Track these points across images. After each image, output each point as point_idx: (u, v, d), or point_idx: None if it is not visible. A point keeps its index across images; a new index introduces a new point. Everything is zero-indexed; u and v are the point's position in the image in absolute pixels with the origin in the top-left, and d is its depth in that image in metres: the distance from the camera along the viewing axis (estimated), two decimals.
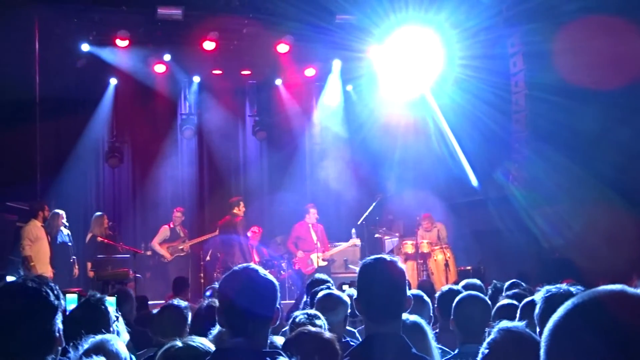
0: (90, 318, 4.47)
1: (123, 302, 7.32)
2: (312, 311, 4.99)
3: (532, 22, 13.72)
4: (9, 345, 2.97)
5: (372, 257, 3.77)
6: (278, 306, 3.36)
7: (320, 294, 5.62)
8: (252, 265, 3.46)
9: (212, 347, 3.45)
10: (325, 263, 15.30)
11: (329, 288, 6.26)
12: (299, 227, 15.58)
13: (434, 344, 4.42)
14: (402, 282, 3.68)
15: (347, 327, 5.72)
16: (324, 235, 15.73)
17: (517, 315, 4.79)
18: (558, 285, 4.27)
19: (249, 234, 15.46)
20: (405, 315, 4.34)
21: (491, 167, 15.21)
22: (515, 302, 5.66)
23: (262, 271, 3.36)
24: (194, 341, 3.42)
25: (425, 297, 6.14)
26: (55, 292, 3.11)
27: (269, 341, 4.00)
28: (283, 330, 4.85)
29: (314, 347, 3.60)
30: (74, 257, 14.13)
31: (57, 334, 3.08)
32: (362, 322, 4.57)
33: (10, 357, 2.99)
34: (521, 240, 14.68)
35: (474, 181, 16.01)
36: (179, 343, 3.38)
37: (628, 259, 11.88)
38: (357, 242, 15.80)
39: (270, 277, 3.36)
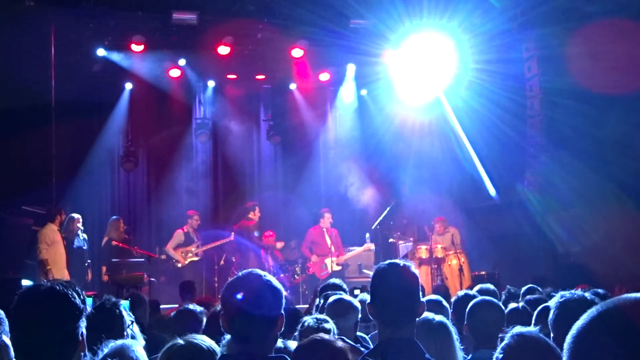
0: (106, 322, 4.48)
1: (136, 306, 7.33)
2: (322, 316, 4.99)
3: (546, 27, 13.69)
4: (34, 347, 3.01)
5: (386, 262, 3.77)
6: (282, 312, 3.35)
7: (330, 299, 5.62)
8: (256, 270, 3.44)
9: (214, 345, 3.46)
10: (339, 267, 15.29)
11: (340, 293, 6.23)
12: (314, 232, 15.58)
13: (458, 344, 4.41)
14: (415, 287, 3.68)
15: (359, 333, 5.70)
16: (339, 239, 15.72)
17: (533, 321, 4.77)
18: (572, 291, 4.26)
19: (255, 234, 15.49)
20: (431, 315, 4.36)
21: (506, 172, 15.17)
22: (527, 307, 5.65)
23: (266, 276, 3.35)
24: (195, 338, 3.43)
25: (444, 302, 6.12)
26: (82, 296, 3.14)
27: (282, 346, 4.01)
28: (294, 335, 4.85)
29: (326, 355, 3.60)
30: (89, 261, 14.20)
31: (81, 338, 3.11)
32: (375, 327, 4.57)
33: (34, 359, 3.02)
34: (536, 245, 14.64)
35: (489, 186, 15.97)
36: (180, 341, 3.39)
37: None
38: (372, 246, 15.79)
39: (275, 282, 3.35)
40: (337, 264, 15.27)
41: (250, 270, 3.44)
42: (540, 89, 14.38)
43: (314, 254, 15.39)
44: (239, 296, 3.25)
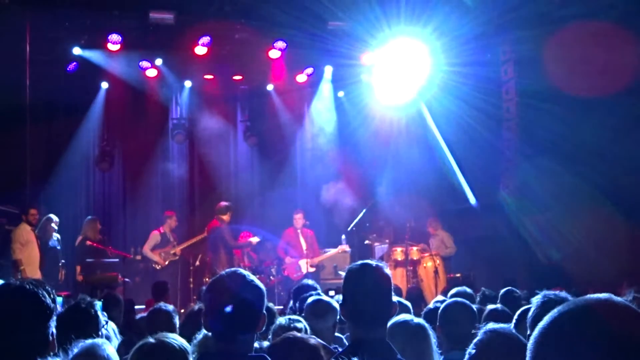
0: (80, 322, 4.45)
1: (111, 307, 7.29)
2: (294, 316, 4.99)
3: (523, 30, 13.75)
4: (3, 347, 2.97)
5: (358, 262, 3.77)
6: (264, 312, 3.36)
7: (309, 300, 5.61)
8: (240, 270, 3.45)
9: (186, 343, 3.45)
10: (313, 269, 15.26)
11: (318, 294, 6.24)
12: (288, 233, 15.54)
13: (435, 347, 4.41)
14: (388, 288, 3.66)
15: (336, 334, 5.70)
16: (314, 240, 15.68)
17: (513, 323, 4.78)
18: (556, 292, 4.28)
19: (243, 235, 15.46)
20: (409, 317, 4.36)
21: (483, 175, 15.22)
22: (505, 309, 5.68)
23: (250, 276, 3.36)
24: (166, 337, 3.41)
25: (404, 301, 6.15)
26: (52, 296, 3.12)
27: (258, 346, 3.99)
28: (268, 337, 4.84)
29: (300, 353, 3.59)
30: (63, 261, 14.11)
31: (51, 338, 3.07)
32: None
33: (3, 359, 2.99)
34: (512, 247, 14.69)
35: (466, 188, 16.02)
36: (151, 340, 3.37)
37: (619, 266, 11.92)
38: (346, 248, 15.79)
39: (258, 282, 3.37)
40: (311, 266, 15.24)
41: (234, 269, 3.45)
42: (516, 92, 14.45)
43: (289, 255, 15.36)
44: (222, 296, 3.25)
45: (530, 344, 1.65)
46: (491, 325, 3.38)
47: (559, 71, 12.72)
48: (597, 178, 12.77)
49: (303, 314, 5.39)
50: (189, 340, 3.60)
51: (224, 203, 15.50)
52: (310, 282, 7.55)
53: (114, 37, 14.90)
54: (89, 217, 15.50)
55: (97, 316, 4.62)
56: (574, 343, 1.56)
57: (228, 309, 3.23)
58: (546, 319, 1.64)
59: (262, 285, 3.39)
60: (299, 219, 15.46)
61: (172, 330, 5.47)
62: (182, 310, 12.31)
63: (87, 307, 4.64)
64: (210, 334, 3.45)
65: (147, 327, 5.72)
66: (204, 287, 9.65)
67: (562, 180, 13.21)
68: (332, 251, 15.77)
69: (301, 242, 15.36)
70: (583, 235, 12.92)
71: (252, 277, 3.38)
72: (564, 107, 12.97)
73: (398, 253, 15.47)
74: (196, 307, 5.82)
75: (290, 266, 15.26)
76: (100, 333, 4.52)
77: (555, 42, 12.82)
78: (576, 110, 12.81)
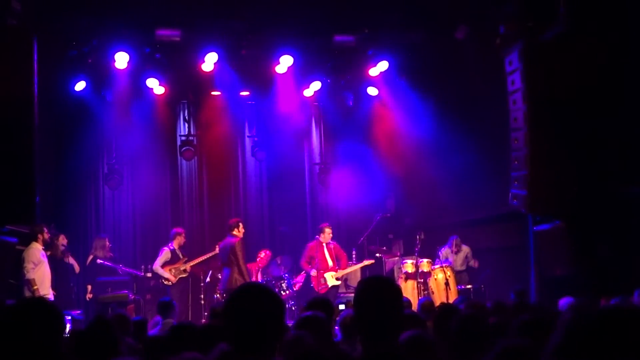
0: (99, 341, 4.47)
1: (121, 327, 7.27)
2: (302, 330, 4.99)
3: (530, 39, 13.73)
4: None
5: (369, 276, 3.80)
6: (286, 323, 3.39)
7: (305, 315, 5.60)
8: (259, 283, 3.49)
9: None
10: (339, 282, 15.31)
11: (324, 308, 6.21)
12: (312, 246, 15.48)
13: None
14: (399, 301, 3.68)
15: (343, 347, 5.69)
16: (341, 251, 15.66)
17: None
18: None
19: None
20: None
21: (492, 185, 15.18)
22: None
23: (270, 290, 3.40)
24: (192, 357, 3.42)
25: (415, 314, 6.14)
26: (61, 315, 3.13)
27: None
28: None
29: None
30: (74, 280, 14.14)
31: (60, 357, 3.09)
32: (359, 343, 4.56)
33: None
34: (523, 258, 14.65)
35: (473, 199, 16.00)
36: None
37: (630, 275, 11.87)
38: (369, 262, 15.80)
39: (276, 295, 3.41)
40: (337, 279, 15.27)
41: (252, 282, 3.50)
42: (524, 102, 14.40)
43: (313, 268, 15.32)
44: (244, 310, 3.27)
45: (548, 352, 1.65)
46: (506, 340, 3.38)
47: (568, 80, 12.70)
48: (606, 187, 12.73)
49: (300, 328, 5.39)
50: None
51: (234, 219, 15.45)
52: (323, 300, 7.48)
53: (121, 55, 14.97)
54: (99, 235, 15.53)
55: (115, 335, 4.65)
56: (594, 350, 1.56)
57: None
58: (563, 329, 1.65)
59: (281, 299, 3.44)
60: (329, 233, 15.46)
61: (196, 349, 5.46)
62: None
63: (105, 327, 4.66)
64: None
65: (171, 345, 5.68)
66: (218, 302, 9.59)
67: (571, 190, 13.15)
68: (357, 266, 15.77)
69: (325, 255, 15.35)
70: (594, 245, 12.88)
71: (272, 290, 3.43)
72: (573, 117, 12.93)
73: (409, 265, 15.47)
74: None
75: (315, 279, 15.22)
76: (118, 350, 4.55)
77: (563, 50, 12.81)
78: (587, 120, 12.77)
